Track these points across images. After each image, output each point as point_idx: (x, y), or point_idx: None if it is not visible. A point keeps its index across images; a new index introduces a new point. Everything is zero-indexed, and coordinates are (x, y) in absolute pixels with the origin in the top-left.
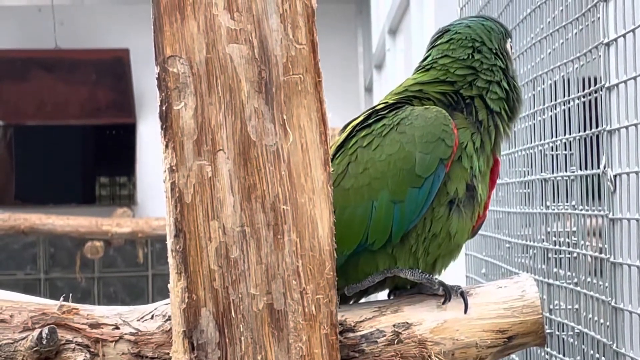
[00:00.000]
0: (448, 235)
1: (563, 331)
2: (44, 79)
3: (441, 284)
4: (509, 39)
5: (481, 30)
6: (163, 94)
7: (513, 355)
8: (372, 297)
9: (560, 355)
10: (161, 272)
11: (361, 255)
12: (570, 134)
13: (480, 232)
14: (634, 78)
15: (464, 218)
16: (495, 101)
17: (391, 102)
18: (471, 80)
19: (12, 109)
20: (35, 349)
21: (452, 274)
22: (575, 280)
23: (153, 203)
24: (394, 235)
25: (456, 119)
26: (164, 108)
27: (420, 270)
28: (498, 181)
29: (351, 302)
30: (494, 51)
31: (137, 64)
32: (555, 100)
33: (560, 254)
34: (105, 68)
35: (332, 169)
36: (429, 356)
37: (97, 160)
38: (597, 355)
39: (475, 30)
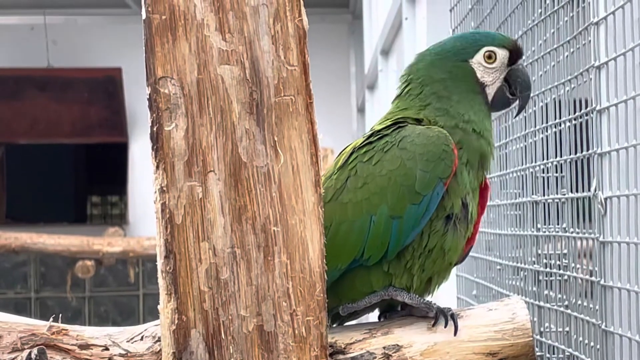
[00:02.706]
0: (442, 251)
1: (554, 354)
2: (36, 97)
3: (439, 310)
4: (483, 49)
5: (418, 57)
6: (154, 115)
7: None
8: (364, 319)
9: None
10: (152, 291)
11: (356, 272)
12: (561, 156)
13: (471, 253)
14: (625, 101)
15: (458, 235)
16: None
17: (390, 123)
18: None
19: (4, 127)
20: None
21: (443, 295)
22: (566, 302)
23: (145, 222)
24: (390, 251)
25: None
26: (155, 129)
27: (417, 295)
28: (489, 203)
29: (335, 325)
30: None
31: (130, 83)
32: (547, 122)
33: (551, 276)
34: (97, 87)
35: (331, 184)
36: None
37: (89, 179)
38: None
39: (416, 59)
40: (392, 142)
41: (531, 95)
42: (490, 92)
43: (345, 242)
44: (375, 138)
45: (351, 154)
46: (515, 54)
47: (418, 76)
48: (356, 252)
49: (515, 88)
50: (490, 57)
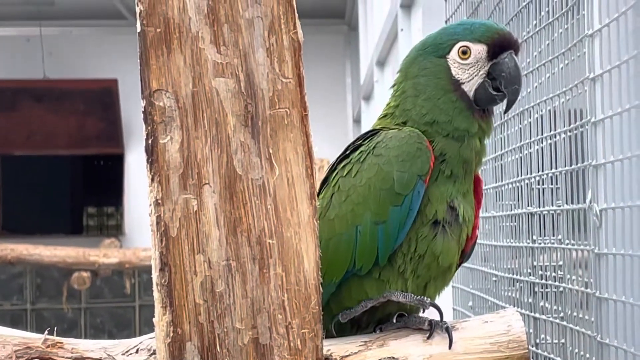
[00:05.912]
0: (433, 256)
1: None
2: (33, 109)
3: (432, 305)
4: (458, 44)
5: (409, 52)
6: (149, 128)
7: None
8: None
9: None
10: (148, 302)
11: (352, 282)
12: (556, 168)
13: (467, 264)
14: (620, 113)
15: (449, 240)
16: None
17: (364, 132)
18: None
19: (0, 138)
20: None
21: (440, 306)
22: (562, 314)
23: (141, 233)
24: (380, 257)
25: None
26: (150, 142)
27: (412, 294)
28: (485, 214)
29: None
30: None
31: (126, 94)
32: (542, 134)
33: (546, 287)
34: (93, 98)
35: (318, 203)
36: None
37: (85, 191)
38: None
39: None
40: (367, 151)
41: (520, 90)
42: (469, 89)
43: (336, 256)
44: (351, 150)
45: (333, 170)
46: (496, 47)
47: (400, 71)
48: (348, 263)
49: (500, 83)
50: (464, 52)
